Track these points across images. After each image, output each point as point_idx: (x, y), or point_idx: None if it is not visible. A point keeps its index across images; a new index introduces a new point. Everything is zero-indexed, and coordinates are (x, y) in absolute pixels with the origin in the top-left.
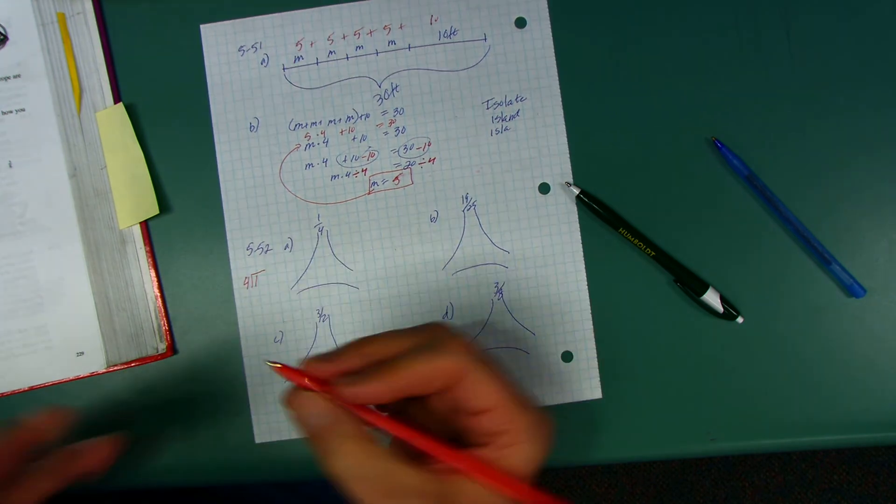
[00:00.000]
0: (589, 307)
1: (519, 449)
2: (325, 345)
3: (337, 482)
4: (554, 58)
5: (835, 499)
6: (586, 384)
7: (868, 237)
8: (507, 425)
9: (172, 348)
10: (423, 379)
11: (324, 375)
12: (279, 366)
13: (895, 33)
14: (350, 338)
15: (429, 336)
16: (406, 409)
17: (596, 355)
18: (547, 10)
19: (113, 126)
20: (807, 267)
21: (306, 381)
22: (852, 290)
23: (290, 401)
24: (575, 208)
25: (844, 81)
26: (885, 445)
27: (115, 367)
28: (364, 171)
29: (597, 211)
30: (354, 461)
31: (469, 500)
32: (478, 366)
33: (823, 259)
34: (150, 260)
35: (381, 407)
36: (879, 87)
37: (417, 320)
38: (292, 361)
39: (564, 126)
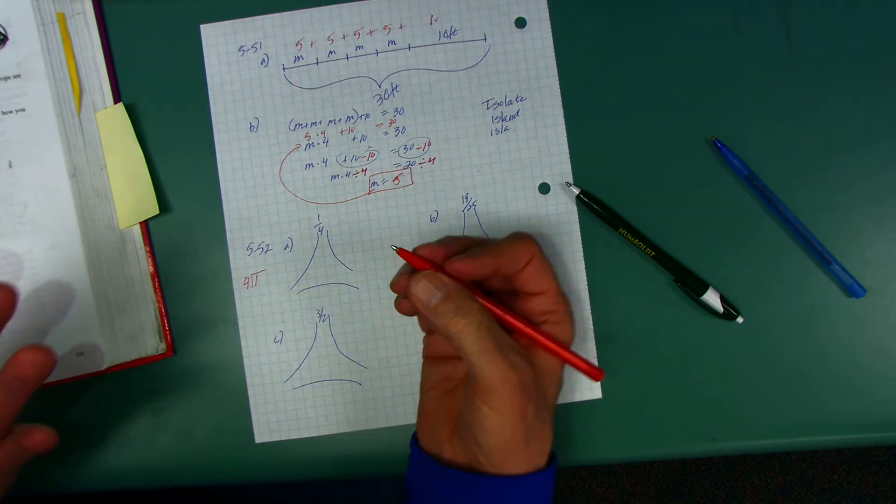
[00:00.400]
0: (589, 307)
1: (565, 326)
2: (326, 345)
3: (456, 337)
4: (554, 58)
5: (835, 499)
6: (586, 384)
7: (868, 237)
8: (555, 306)
9: (172, 348)
10: (513, 257)
11: (433, 258)
12: (401, 249)
13: (895, 33)
14: (351, 337)
15: (511, 236)
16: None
17: (596, 355)
18: (547, 10)
19: (113, 126)
20: (807, 267)
21: (420, 261)
22: (852, 290)
23: (413, 282)
24: (575, 208)
25: (845, 81)
26: (885, 445)
27: (115, 367)
28: (364, 171)
29: (597, 211)
30: (479, 318)
31: (546, 368)
32: (540, 256)
33: (823, 259)
34: (150, 260)
35: None
36: (880, 87)
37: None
38: (293, 361)
39: (564, 126)
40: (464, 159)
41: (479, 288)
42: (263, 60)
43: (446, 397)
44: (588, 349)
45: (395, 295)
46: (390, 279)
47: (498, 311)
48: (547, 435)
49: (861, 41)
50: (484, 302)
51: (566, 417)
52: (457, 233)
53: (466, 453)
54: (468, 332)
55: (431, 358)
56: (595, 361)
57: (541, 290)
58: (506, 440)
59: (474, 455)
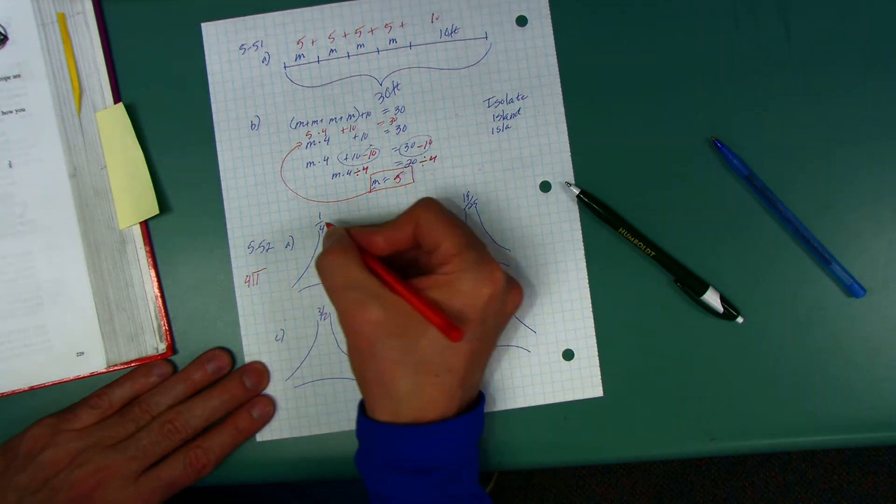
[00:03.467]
0: (590, 305)
1: (459, 277)
2: (326, 343)
3: (320, 272)
4: (555, 56)
5: (835, 499)
6: (587, 382)
7: (868, 237)
8: (452, 258)
9: (172, 348)
10: (401, 229)
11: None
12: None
13: (895, 32)
14: None
15: (412, 205)
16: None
17: (597, 353)
18: (548, 8)
19: (113, 126)
20: (807, 267)
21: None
22: (852, 290)
23: (327, 231)
24: (576, 206)
25: (845, 81)
26: (885, 445)
27: (115, 367)
28: (365, 169)
29: (597, 211)
30: (339, 258)
31: (412, 311)
32: (431, 210)
33: (823, 259)
34: (150, 260)
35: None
36: (880, 87)
37: None
38: (294, 360)
39: (565, 124)
40: (465, 157)
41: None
42: (265, 59)
43: None
44: (589, 347)
45: None
46: None
47: (372, 263)
48: (417, 384)
49: (860, 38)
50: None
51: (566, 417)
52: None
53: None
54: (320, 268)
55: None
56: (596, 361)
57: (434, 244)
58: (363, 377)
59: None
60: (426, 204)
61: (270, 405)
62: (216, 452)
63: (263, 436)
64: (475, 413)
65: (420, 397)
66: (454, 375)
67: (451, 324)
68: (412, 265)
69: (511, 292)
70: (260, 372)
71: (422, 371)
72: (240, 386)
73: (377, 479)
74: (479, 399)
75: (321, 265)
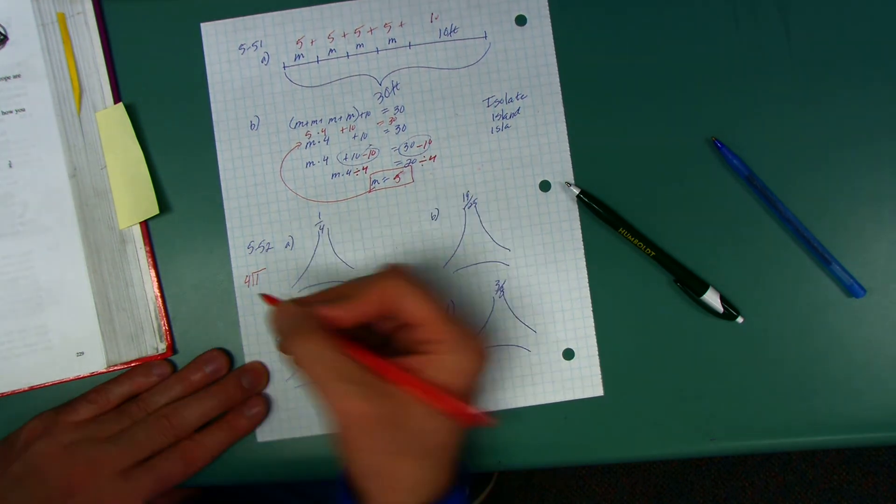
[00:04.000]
0: (590, 304)
1: (447, 358)
2: None
3: (298, 367)
4: (554, 55)
5: (835, 499)
6: (588, 382)
7: (868, 237)
8: (436, 336)
9: (172, 348)
10: (368, 306)
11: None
12: (265, 295)
13: (894, 33)
14: None
15: (377, 274)
16: (386, 342)
17: (597, 352)
18: (547, 7)
19: (113, 126)
20: (807, 267)
21: (281, 300)
22: (852, 290)
23: (272, 314)
24: (576, 206)
25: (845, 81)
26: (885, 445)
27: (115, 367)
28: (365, 168)
29: (597, 211)
30: (314, 347)
31: (401, 396)
32: (408, 287)
33: (823, 259)
34: (150, 260)
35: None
36: (880, 87)
37: None
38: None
39: (565, 124)
40: (464, 157)
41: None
42: (264, 59)
43: None
44: (589, 346)
45: None
46: None
47: (351, 350)
48: (419, 470)
49: (860, 38)
50: (335, 340)
51: (566, 417)
52: (457, 231)
53: None
54: (305, 361)
55: None
56: (596, 361)
57: (415, 321)
58: (360, 471)
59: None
60: (395, 275)
61: (264, 405)
62: (209, 447)
63: (264, 436)
64: (462, 487)
65: (424, 483)
66: (447, 452)
67: (461, 407)
68: (369, 335)
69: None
70: (258, 372)
71: (417, 456)
72: (237, 385)
73: None
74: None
75: (300, 357)
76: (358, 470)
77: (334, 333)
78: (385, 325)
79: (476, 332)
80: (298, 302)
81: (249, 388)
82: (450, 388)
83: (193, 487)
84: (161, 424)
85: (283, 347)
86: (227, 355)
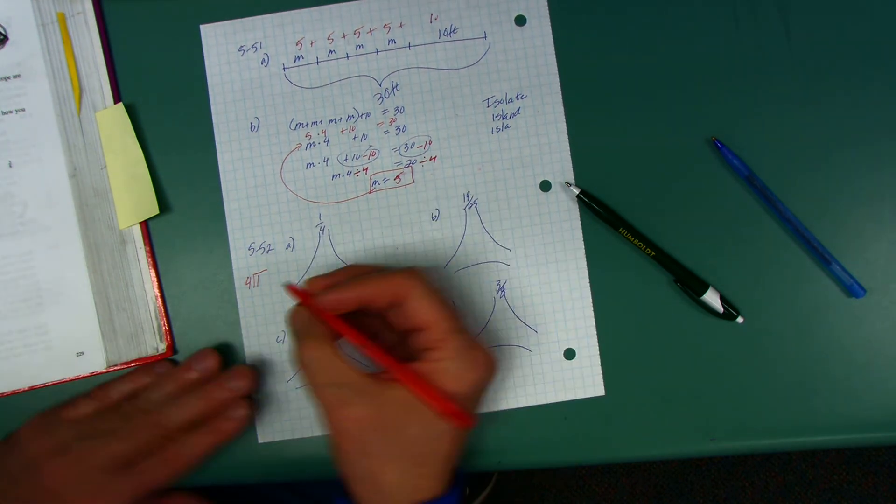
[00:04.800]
0: (591, 303)
1: (448, 364)
2: None
3: (299, 369)
4: (554, 55)
5: (835, 499)
6: (589, 381)
7: (868, 237)
8: (440, 343)
9: (172, 348)
10: (375, 292)
11: (315, 290)
12: (288, 285)
13: (894, 34)
14: None
15: (397, 269)
16: (382, 333)
17: (598, 352)
18: (546, 7)
19: (113, 126)
20: (807, 267)
21: (297, 295)
22: (852, 290)
23: (288, 316)
24: (576, 206)
25: (845, 81)
26: (885, 445)
27: (115, 367)
28: (365, 169)
29: (597, 211)
30: (315, 353)
31: (398, 402)
32: (420, 288)
33: (823, 259)
34: (150, 260)
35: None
36: (880, 87)
37: None
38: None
39: (565, 124)
40: (465, 157)
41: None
42: (263, 60)
43: None
44: (591, 346)
45: None
46: None
47: (353, 337)
48: (413, 477)
49: (860, 38)
50: (340, 327)
51: (566, 417)
52: (457, 232)
53: None
54: (304, 364)
55: None
56: (597, 360)
57: (421, 324)
58: (352, 475)
59: None
60: (414, 278)
61: (248, 408)
62: (193, 450)
63: (265, 437)
64: (456, 490)
65: (413, 489)
66: (443, 460)
67: (450, 406)
68: (384, 331)
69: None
70: (244, 374)
71: (412, 463)
72: (222, 389)
73: None
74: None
75: (303, 363)
76: (351, 473)
77: (359, 335)
78: (398, 320)
79: (482, 346)
80: (317, 282)
81: (236, 390)
82: (447, 392)
83: (192, 494)
84: (144, 421)
85: (293, 349)
86: (218, 354)
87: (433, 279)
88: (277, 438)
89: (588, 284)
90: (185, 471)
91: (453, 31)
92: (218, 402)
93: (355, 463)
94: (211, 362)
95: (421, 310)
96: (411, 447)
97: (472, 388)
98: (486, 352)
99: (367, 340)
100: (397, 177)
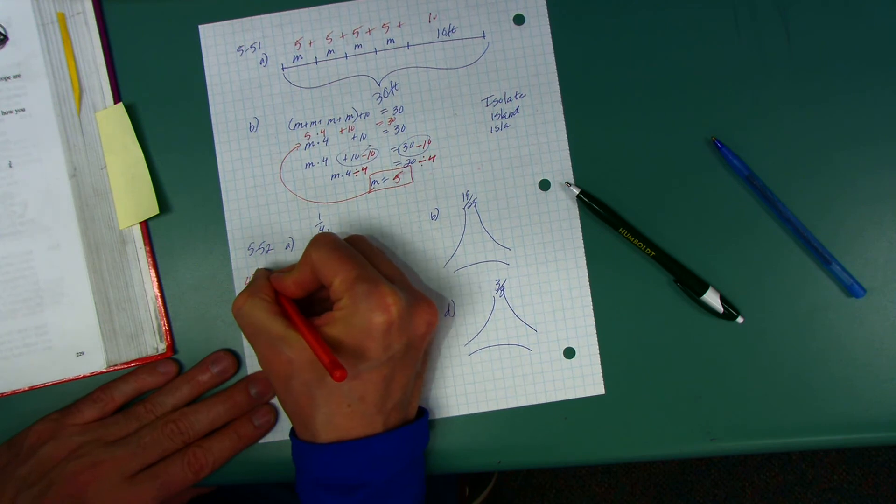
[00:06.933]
0: (591, 302)
1: (344, 313)
2: None
3: (237, 319)
4: (553, 55)
5: (835, 499)
6: (589, 380)
7: (868, 237)
8: (344, 293)
9: (172, 348)
10: (304, 273)
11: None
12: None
13: (894, 36)
14: None
15: (308, 246)
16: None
17: (598, 351)
18: (545, 6)
19: (113, 126)
20: (807, 267)
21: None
22: (852, 290)
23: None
24: (576, 205)
25: (845, 81)
26: (885, 445)
27: (115, 367)
28: (364, 169)
29: (597, 211)
30: (253, 304)
31: (295, 348)
32: (316, 252)
33: (823, 259)
34: (150, 260)
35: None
36: (881, 87)
37: None
38: None
39: (564, 123)
40: (464, 157)
41: None
42: (262, 60)
43: None
44: (590, 345)
45: None
46: None
47: (284, 302)
48: (346, 412)
49: (860, 40)
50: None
51: (566, 416)
52: (457, 231)
53: None
54: (239, 318)
55: None
56: (597, 359)
57: (327, 281)
58: (286, 410)
59: None
60: (316, 242)
61: (272, 415)
62: (215, 455)
63: (266, 437)
64: (402, 431)
65: (336, 427)
66: (367, 403)
67: (335, 363)
68: (326, 303)
69: (416, 313)
70: (266, 382)
71: (333, 402)
72: (245, 394)
73: (309, 498)
74: (419, 416)
75: (235, 312)
76: (285, 410)
77: (281, 295)
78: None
79: (386, 288)
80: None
81: (257, 397)
82: (360, 344)
83: (206, 486)
84: (169, 429)
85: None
86: (235, 356)
87: (334, 238)
88: (278, 439)
89: (588, 283)
90: (205, 476)
91: (452, 30)
92: (241, 407)
93: (286, 400)
94: (227, 363)
95: (321, 270)
96: (332, 389)
97: (384, 332)
98: (391, 293)
99: (289, 304)
100: (396, 176)
